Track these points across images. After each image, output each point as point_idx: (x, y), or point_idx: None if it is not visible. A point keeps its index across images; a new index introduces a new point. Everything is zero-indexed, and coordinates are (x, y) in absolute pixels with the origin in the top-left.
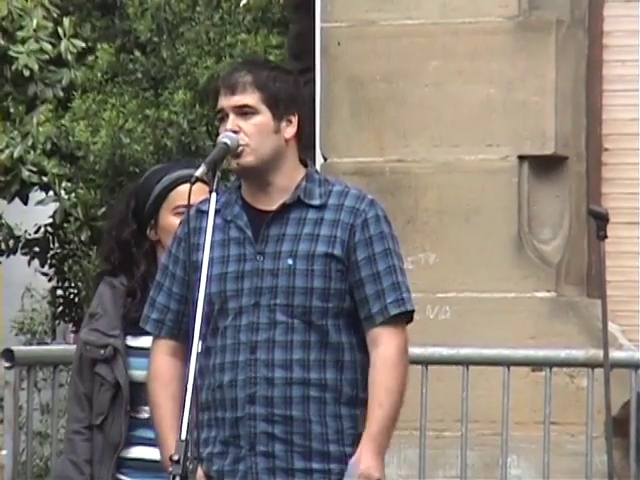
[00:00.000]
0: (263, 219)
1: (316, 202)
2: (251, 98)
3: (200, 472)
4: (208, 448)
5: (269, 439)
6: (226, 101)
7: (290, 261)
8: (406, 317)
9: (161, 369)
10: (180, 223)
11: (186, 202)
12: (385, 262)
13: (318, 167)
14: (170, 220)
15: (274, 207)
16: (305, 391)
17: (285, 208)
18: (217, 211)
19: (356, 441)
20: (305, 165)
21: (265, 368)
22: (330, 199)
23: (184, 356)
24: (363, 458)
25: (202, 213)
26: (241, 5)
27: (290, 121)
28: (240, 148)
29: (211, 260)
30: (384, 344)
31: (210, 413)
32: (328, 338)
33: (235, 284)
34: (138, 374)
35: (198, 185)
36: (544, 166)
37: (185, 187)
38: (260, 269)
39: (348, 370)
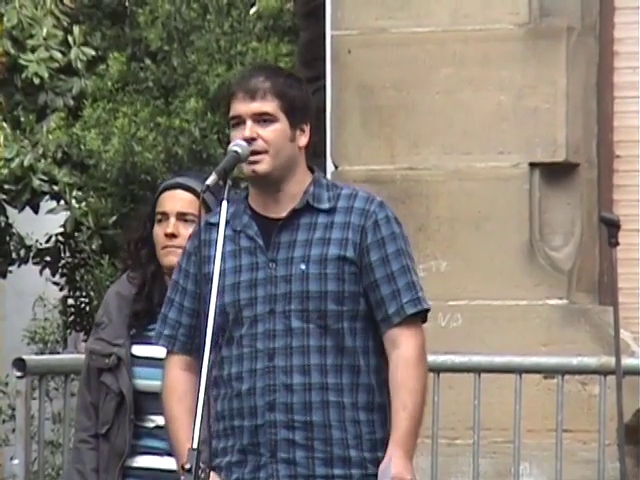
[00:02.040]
0: (273, 227)
1: (325, 206)
2: (270, 105)
3: None
4: (226, 457)
5: (290, 446)
6: (244, 107)
7: (303, 266)
8: (422, 316)
9: (175, 383)
10: (189, 237)
11: (162, 210)
12: (398, 262)
13: (329, 175)
14: (155, 227)
15: (283, 214)
16: (324, 396)
17: (295, 214)
18: (226, 222)
19: (374, 447)
20: (312, 171)
21: (284, 375)
22: (339, 202)
23: (197, 370)
24: (393, 463)
25: (211, 225)
26: (251, 13)
27: (303, 130)
28: (259, 156)
29: (223, 271)
30: (404, 345)
31: (225, 422)
32: (344, 342)
33: (249, 293)
34: (143, 383)
35: (176, 192)
36: (555, 173)
37: (165, 194)
38: (273, 276)
39: (364, 375)
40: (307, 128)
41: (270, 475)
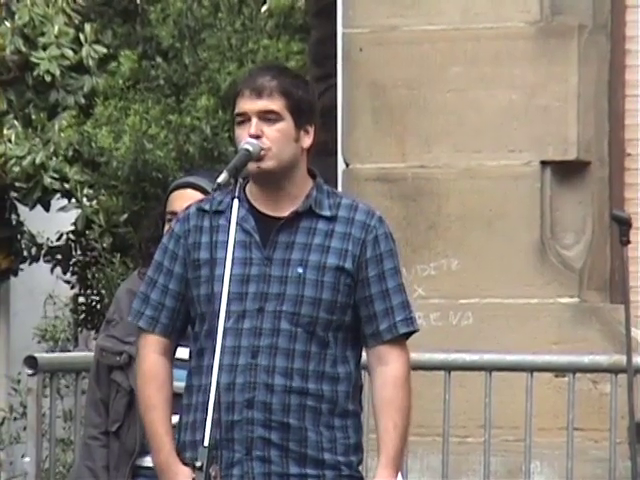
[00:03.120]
0: (271, 225)
1: (327, 213)
2: (276, 104)
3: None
4: (195, 452)
5: (265, 444)
6: (250, 105)
7: (300, 270)
8: (408, 335)
9: (154, 369)
10: (177, 221)
11: (172, 209)
12: (394, 280)
13: (340, 173)
14: (165, 227)
15: (283, 214)
16: (302, 400)
17: (295, 216)
18: (222, 212)
19: (347, 451)
20: (313, 176)
21: (265, 374)
22: (340, 211)
23: (172, 356)
24: None
25: (203, 212)
26: (263, 11)
27: (307, 131)
28: (262, 152)
29: (215, 260)
30: (393, 363)
31: (197, 415)
32: (328, 350)
33: (240, 287)
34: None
35: (185, 191)
36: (566, 171)
37: (174, 194)
38: (267, 275)
39: (343, 383)
40: (311, 130)
41: (245, 472)
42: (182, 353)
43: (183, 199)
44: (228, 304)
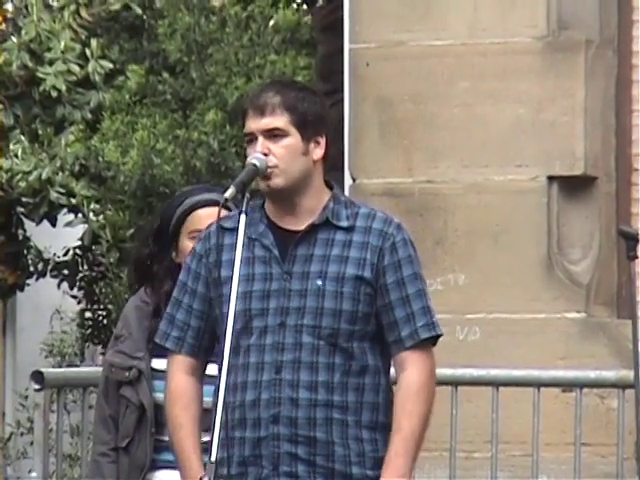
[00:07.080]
0: (289, 239)
1: (344, 224)
2: (280, 120)
3: None
4: (224, 469)
5: (292, 459)
6: (255, 124)
7: (319, 282)
8: (433, 341)
9: (182, 389)
10: (199, 240)
11: (201, 227)
12: (414, 286)
13: (347, 188)
14: (186, 244)
15: (301, 227)
16: (329, 413)
17: (313, 229)
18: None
19: (377, 465)
20: (330, 187)
21: (290, 389)
22: (357, 221)
23: (201, 375)
24: None
25: (224, 230)
26: (270, 26)
27: (318, 142)
28: (269, 170)
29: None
30: (410, 368)
31: (225, 433)
32: (352, 361)
33: (260, 303)
34: (163, 397)
35: (214, 209)
36: (573, 186)
37: (201, 212)
38: (287, 289)
39: (369, 393)
40: (322, 140)
41: None
42: (211, 369)
43: (212, 218)
44: (251, 320)
